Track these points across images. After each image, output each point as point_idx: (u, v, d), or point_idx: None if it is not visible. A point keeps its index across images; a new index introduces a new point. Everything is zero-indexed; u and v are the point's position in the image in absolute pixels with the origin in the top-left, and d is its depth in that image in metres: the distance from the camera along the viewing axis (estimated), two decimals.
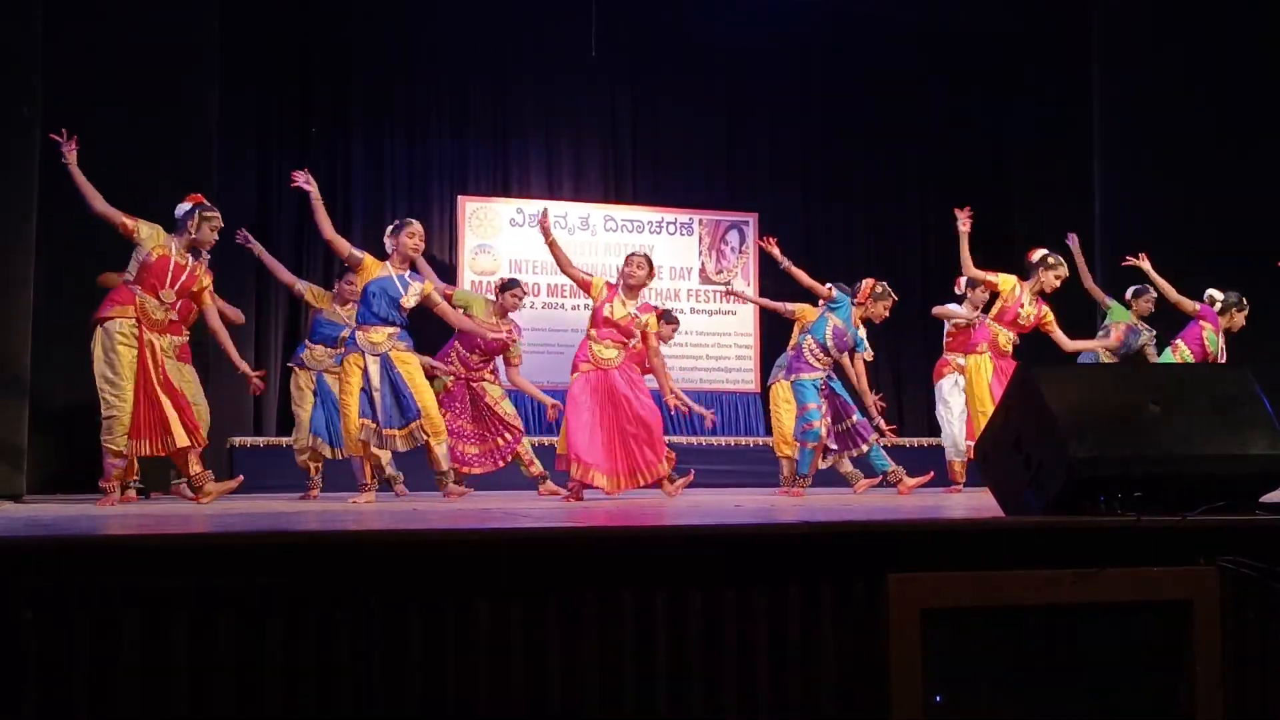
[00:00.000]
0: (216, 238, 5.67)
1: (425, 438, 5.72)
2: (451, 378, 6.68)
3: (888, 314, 6.90)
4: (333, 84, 9.53)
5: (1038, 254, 6.89)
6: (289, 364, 7.25)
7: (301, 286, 7.08)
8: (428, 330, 7.06)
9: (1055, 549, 2.64)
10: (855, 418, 6.79)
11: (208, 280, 5.71)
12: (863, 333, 6.92)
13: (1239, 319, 7.29)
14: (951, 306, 7.63)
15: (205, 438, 5.65)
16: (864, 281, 6.91)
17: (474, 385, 6.72)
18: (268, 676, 2.21)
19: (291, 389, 7.15)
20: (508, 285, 6.89)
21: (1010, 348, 6.86)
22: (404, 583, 2.33)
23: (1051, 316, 6.91)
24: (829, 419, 6.71)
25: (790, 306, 7.66)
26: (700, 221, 10.25)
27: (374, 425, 5.65)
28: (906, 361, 10.50)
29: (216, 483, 5.54)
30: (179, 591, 2.20)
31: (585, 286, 6.34)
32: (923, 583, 2.53)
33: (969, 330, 7.25)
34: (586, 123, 10.13)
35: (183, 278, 5.54)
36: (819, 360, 6.70)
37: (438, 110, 9.75)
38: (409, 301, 5.81)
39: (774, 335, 8.28)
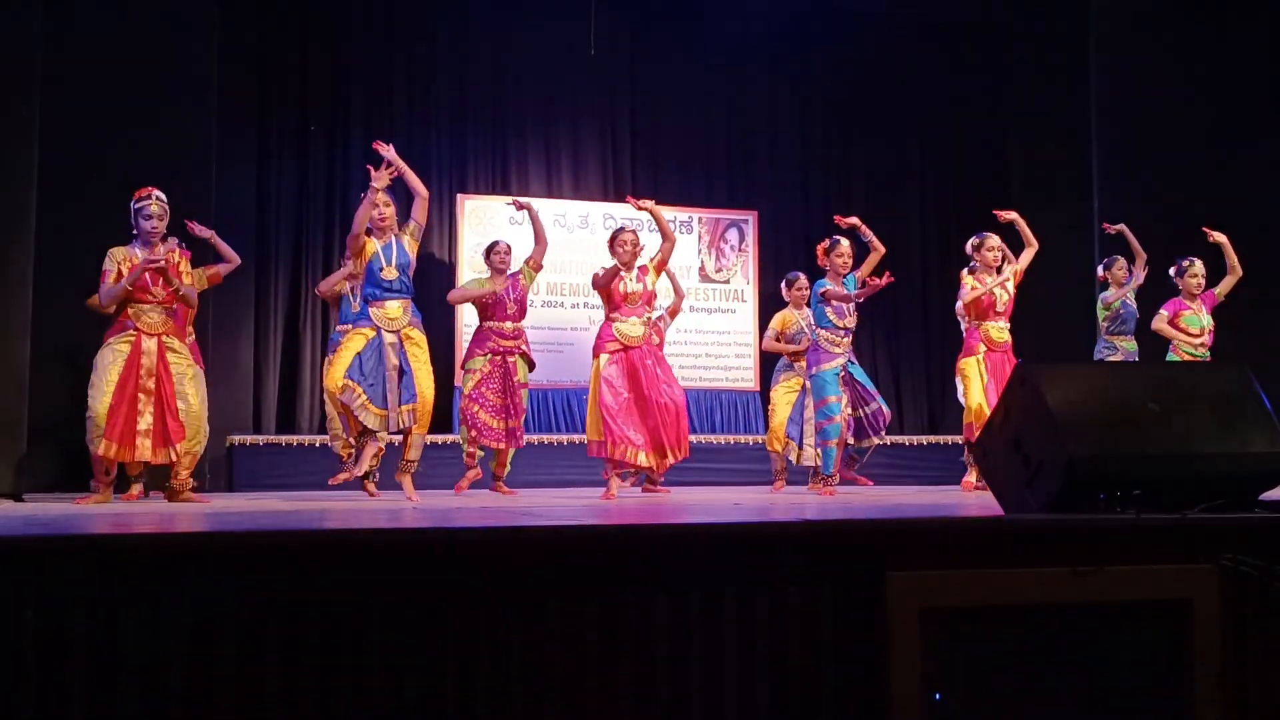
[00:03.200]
0: (155, 222, 5.55)
1: (410, 424, 5.57)
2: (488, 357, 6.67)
3: (850, 259, 6.64)
4: (332, 83, 9.51)
5: (969, 244, 6.87)
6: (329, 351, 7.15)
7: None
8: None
9: (1055, 547, 2.64)
10: (871, 407, 6.64)
11: (184, 266, 5.70)
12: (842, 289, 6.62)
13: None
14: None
15: (181, 453, 5.61)
16: (818, 249, 6.78)
17: (508, 360, 6.69)
18: (268, 676, 2.21)
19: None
20: (491, 249, 6.95)
21: (1005, 338, 6.72)
22: (405, 582, 2.32)
23: (1012, 276, 6.79)
24: (848, 409, 6.54)
25: (778, 345, 7.44)
26: (700, 220, 10.23)
27: (355, 387, 5.48)
28: (905, 361, 10.49)
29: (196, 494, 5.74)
30: (178, 591, 2.20)
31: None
32: (922, 581, 2.53)
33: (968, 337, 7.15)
34: (586, 121, 10.11)
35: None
36: (838, 344, 6.53)
37: (437, 109, 9.73)
38: (410, 248, 5.72)
39: None
